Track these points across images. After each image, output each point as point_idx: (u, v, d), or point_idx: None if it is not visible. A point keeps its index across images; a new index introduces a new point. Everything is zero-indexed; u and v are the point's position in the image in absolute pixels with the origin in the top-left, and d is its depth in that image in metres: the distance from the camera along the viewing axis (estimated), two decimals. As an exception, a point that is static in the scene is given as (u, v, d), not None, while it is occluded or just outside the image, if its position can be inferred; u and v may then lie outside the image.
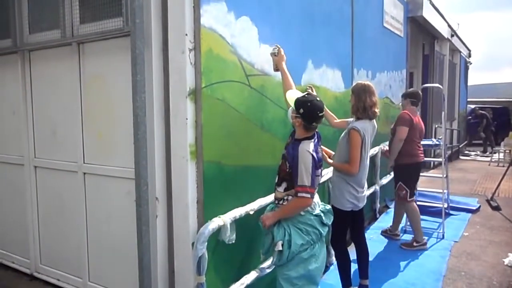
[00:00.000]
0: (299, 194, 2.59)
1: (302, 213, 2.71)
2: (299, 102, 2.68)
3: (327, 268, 4.14)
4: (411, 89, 5.29)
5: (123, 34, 2.86)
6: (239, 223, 2.88)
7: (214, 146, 2.81)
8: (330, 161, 3.45)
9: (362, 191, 3.49)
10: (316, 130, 2.80)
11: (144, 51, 2.65)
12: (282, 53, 3.13)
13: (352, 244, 3.79)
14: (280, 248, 2.65)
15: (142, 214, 2.71)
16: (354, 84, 3.59)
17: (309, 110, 2.64)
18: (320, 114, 2.67)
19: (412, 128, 4.74)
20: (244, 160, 3.11)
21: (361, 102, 3.38)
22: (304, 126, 2.69)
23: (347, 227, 3.63)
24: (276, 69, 3.19)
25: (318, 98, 2.71)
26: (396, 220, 5.21)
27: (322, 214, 2.78)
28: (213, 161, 2.80)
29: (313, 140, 2.71)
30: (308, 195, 2.59)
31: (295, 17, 3.67)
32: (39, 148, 3.70)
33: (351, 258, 3.64)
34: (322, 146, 3.34)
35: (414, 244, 4.84)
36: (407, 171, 4.84)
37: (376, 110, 3.41)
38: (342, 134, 3.49)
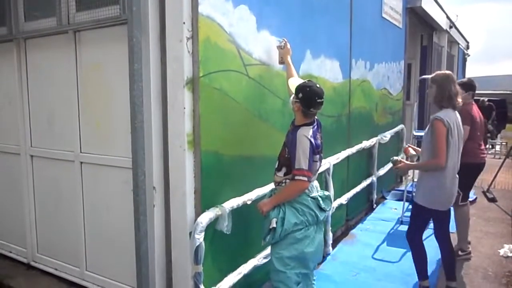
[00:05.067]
0: (296, 177, 2.62)
1: None
2: (299, 87, 2.75)
3: (323, 258, 4.16)
4: (466, 79, 4.55)
5: (120, 22, 2.83)
6: (237, 213, 2.89)
7: (212, 135, 2.80)
8: (412, 163, 3.27)
9: (451, 188, 3.28)
10: (316, 117, 2.83)
11: (141, 40, 2.62)
12: (288, 46, 3.27)
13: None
14: (274, 225, 2.68)
15: (140, 203, 2.71)
16: (433, 74, 3.39)
17: (307, 95, 2.69)
18: (319, 100, 2.70)
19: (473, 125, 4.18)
20: (242, 150, 3.10)
21: (446, 91, 3.23)
22: (302, 112, 2.73)
23: (424, 225, 3.48)
24: (281, 61, 3.30)
25: (318, 85, 2.75)
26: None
27: (319, 198, 2.79)
28: (210, 150, 2.79)
29: (312, 126, 2.74)
30: (305, 179, 2.62)
31: (293, 7, 3.64)
32: (36, 137, 3.68)
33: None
34: (409, 145, 3.33)
35: (459, 253, 4.30)
36: (462, 171, 4.27)
37: (460, 100, 3.28)
38: (425, 130, 3.34)
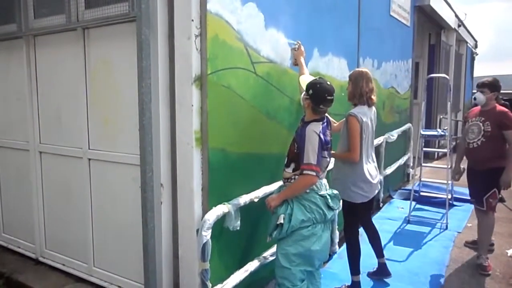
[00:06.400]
0: (305, 172, 2.63)
1: (307, 190, 2.74)
2: (309, 84, 2.78)
3: (330, 257, 4.16)
4: (490, 78, 4.21)
5: (128, 20, 2.84)
6: (244, 210, 2.89)
7: (219, 133, 2.81)
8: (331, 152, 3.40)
9: (369, 181, 3.39)
10: (326, 114, 2.84)
11: (150, 37, 2.63)
12: (302, 48, 3.32)
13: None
14: (282, 221, 2.68)
15: (147, 200, 2.73)
16: (351, 71, 3.53)
17: (317, 91, 2.71)
18: (329, 97, 2.72)
19: None
20: (249, 148, 3.11)
21: (358, 88, 3.35)
22: (312, 108, 2.75)
23: (359, 218, 3.62)
24: (295, 63, 3.34)
25: (328, 82, 2.77)
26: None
27: (328, 197, 2.79)
28: (218, 148, 2.80)
29: (321, 123, 2.76)
30: (314, 173, 2.63)
31: (301, 5, 3.63)
32: (44, 133, 3.70)
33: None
34: None
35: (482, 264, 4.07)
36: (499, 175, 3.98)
37: (373, 97, 3.37)
38: (342, 125, 3.45)
